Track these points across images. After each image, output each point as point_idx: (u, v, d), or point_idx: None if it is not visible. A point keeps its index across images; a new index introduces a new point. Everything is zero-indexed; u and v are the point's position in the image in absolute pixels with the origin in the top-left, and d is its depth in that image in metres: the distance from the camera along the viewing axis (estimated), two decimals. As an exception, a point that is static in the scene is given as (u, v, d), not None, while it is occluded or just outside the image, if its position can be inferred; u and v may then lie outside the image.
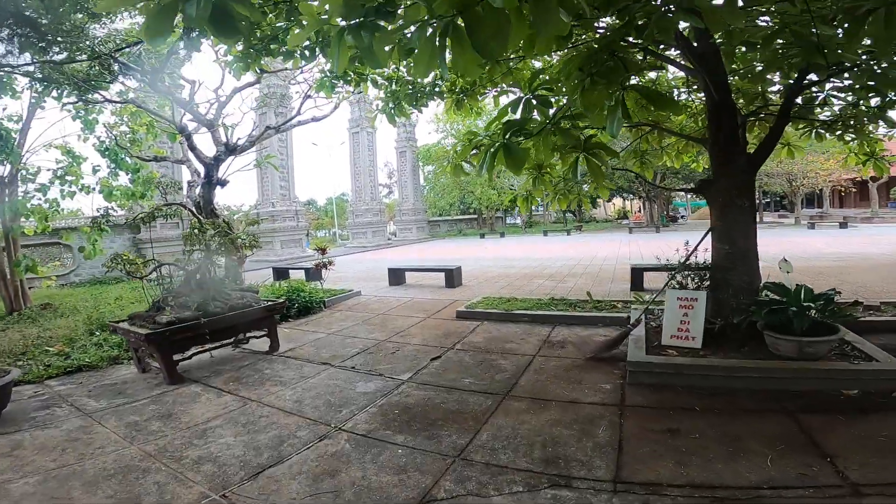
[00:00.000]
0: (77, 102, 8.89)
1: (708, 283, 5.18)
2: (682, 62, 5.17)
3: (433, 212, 42.47)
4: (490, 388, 4.51)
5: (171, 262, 6.13)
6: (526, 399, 4.18)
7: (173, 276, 6.19)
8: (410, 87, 6.95)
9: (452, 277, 10.43)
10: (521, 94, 3.50)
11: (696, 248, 5.50)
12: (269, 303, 6.27)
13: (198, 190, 9.02)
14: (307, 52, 4.84)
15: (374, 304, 9.29)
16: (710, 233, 5.04)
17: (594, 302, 7.52)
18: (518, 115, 3.49)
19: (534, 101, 3.45)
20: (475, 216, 46.87)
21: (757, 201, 55.83)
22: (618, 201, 61.59)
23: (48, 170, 10.53)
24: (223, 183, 9.04)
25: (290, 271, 14.53)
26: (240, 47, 5.02)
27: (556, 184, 6.09)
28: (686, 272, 5.51)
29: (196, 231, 6.44)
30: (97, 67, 8.68)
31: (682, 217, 50.76)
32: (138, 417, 4.22)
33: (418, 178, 38.92)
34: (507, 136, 3.30)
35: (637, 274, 8.96)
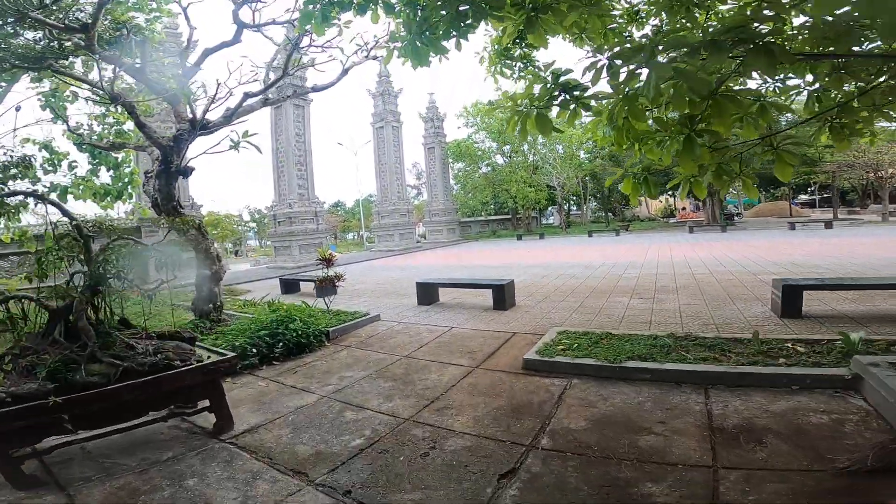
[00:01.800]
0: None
1: None
2: None
3: (464, 212, 39.73)
4: None
5: (26, 296, 3.58)
6: None
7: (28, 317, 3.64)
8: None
9: (503, 296, 7.62)
10: None
11: None
12: (209, 360, 3.63)
13: (154, 182, 6.57)
14: None
15: (396, 336, 6.60)
16: None
17: (758, 344, 4.56)
18: None
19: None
20: (509, 216, 43.86)
21: (817, 195, 50.60)
22: (657, 198, 57.16)
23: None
24: (185, 171, 6.57)
25: (302, 283, 12.07)
26: None
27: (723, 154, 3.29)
28: None
29: (65, 241, 3.90)
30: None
31: (738, 215, 46.07)
32: None
33: (448, 175, 36.30)
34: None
35: (791, 293, 5.90)
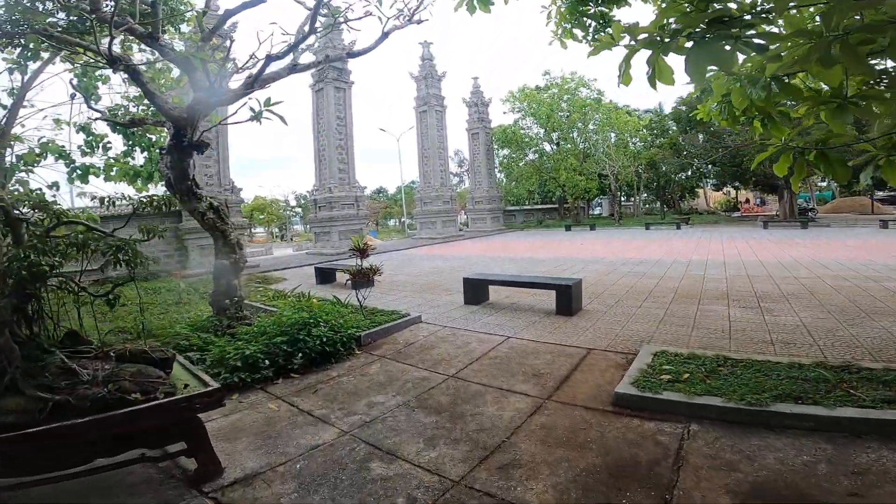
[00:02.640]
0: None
1: None
2: None
3: (508, 200, 38.06)
4: None
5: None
6: None
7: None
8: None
9: (570, 299, 6.29)
10: None
11: None
12: (183, 393, 2.58)
13: (166, 158, 5.68)
14: None
15: (440, 345, 5.45)
16: None
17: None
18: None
19: None
20: (555, 205, 41.75)
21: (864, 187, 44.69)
22: (846, 181, 52.71)
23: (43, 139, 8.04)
24: (200, 147, 5.62)
25: (337, 273, 11.18)
26: None
27: None
28: None
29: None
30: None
31: (812, 210, 41.58)
32: None
33: (493, 162, 34.75)
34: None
35: None
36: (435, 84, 27.54)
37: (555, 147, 37.22)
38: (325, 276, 11.07)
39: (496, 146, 35.74)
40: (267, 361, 4.33)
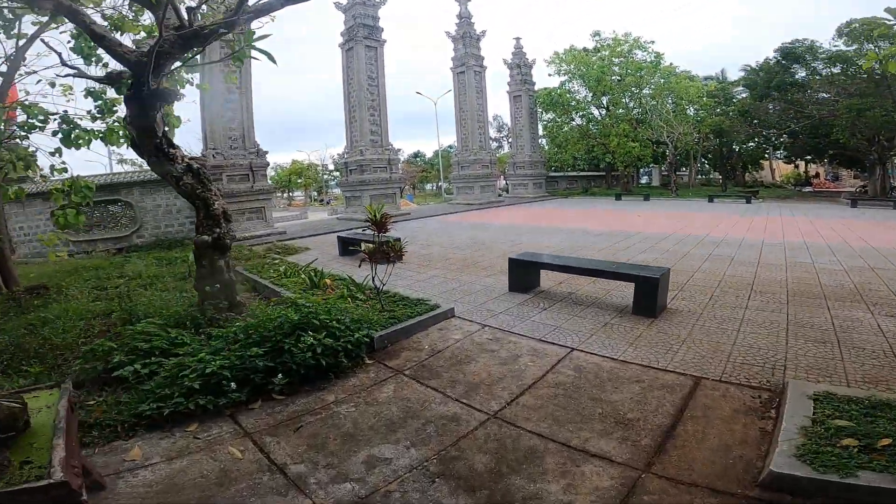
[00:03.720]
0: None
1: None
2: None
3: (551, 166, 35.52)
4: None
5: None
6: None
7: None
8: None
9: (654, 296, 4.70)
10: None
11: None
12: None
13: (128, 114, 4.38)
14: None
15: (478, 357, 4.06)
16: None
17: None
18: None
19: None
20: (602, 173, 38.85)
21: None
22: (781, 163, 47.80)
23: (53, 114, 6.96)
24: (165, 95, 4.26)
25: (363, 243, 9.94)
26: None
27: None
28: None
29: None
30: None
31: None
32: None
33: (536, 126, 32.23)
34: None
35: None
36: (473, 43, 25.20)
37: (604, 112, 34.13)
38: (347, 245, 9.85)
39: (539, 110, 33.06)
40: (233, 384, 3.09)
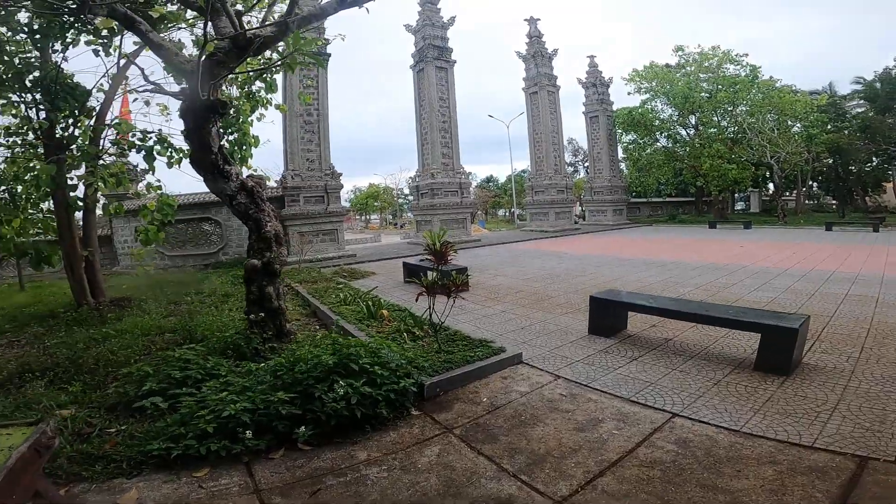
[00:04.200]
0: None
1: None
2: None
3: (632, 191, 33.25)
4: None
5: None
6: None
7: None
8: None
9: (790, 348, 3.59)
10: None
11: None
12: None
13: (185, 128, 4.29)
14: None
15: (547, 420, 3.25)
16: None
17: None
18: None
19: None
20: (691, 198, 35.74)
21: None
22: None
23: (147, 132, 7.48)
24: (215, 107, 4.09)
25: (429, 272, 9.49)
26: None
27: None
28: None
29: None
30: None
31: None
32: None
33: (615, 148, 30.50)
34: None
35: None
36: (545, 62, 24.58)
37: (691, 132, 31.55)
38: (413, 272, 9.44)
39: (619, 131, 31.31)
40: (250, 431, 2.61)
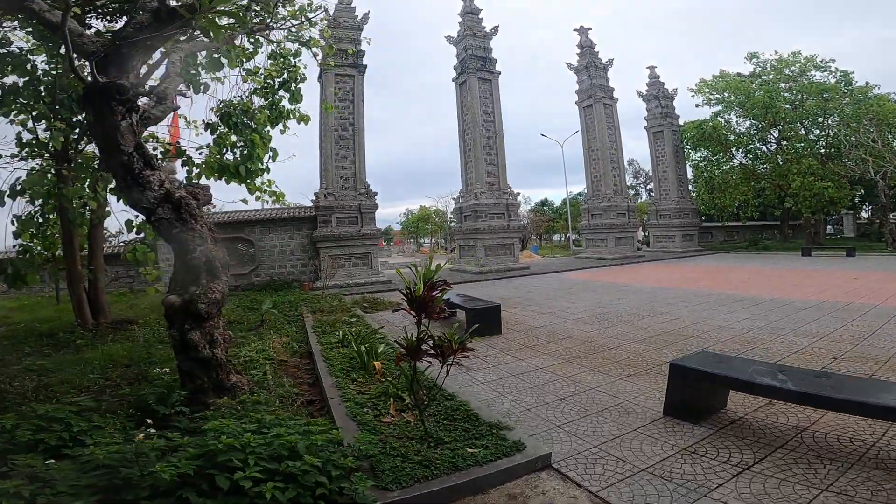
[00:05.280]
0: None
1: None
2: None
3: (704, 214, 29.87)
4: None
5: None
6: None
7: None
8: None
9: None
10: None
11: None
12: None
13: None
14: None
15: None
16: None
17: None
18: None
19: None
20: (775, 222, 31.65)
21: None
22: None
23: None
24: (114, 93, 2.95)
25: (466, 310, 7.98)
26: None
27: None
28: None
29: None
30: None
31: None
32: None
33: (683, 167, 27.67)
34: None
35: None
36: (599, 74, 22.74)
37: (772, 146, 28.00)
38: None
39: (687, 147, 28.39)
40: None
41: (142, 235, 7.78)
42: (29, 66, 6.44)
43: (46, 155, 7.00)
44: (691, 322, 6.79)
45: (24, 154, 6.86)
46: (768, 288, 10.10)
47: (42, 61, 6.83)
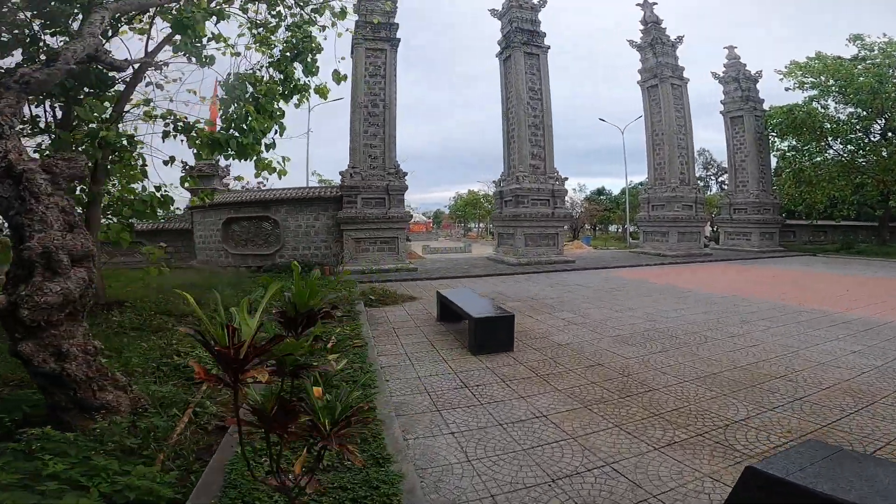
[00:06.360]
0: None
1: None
2: None
3: (788, 210, 26.14)
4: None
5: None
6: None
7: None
8: None
9: None
10: None
11: None
12: None
13: None
14: None
15: None
16: None
17: None
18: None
19: None
20: (872, 223, 27.23)
21: None
22: None
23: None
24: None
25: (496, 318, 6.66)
26: None
27: None
28: None
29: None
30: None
31: None
32: None
33: (767, 156, 24.21)
34: None
35: None
36: (667, 51, 19.98)
37: (876, 138, 23.80)
38: (448, 313, 6.68)
39: (773, 135, 24.74)
40: None
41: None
42: None
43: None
44: (777, 353, 5.04)
45: None
46: (880, 306, 7.88)
47: None
